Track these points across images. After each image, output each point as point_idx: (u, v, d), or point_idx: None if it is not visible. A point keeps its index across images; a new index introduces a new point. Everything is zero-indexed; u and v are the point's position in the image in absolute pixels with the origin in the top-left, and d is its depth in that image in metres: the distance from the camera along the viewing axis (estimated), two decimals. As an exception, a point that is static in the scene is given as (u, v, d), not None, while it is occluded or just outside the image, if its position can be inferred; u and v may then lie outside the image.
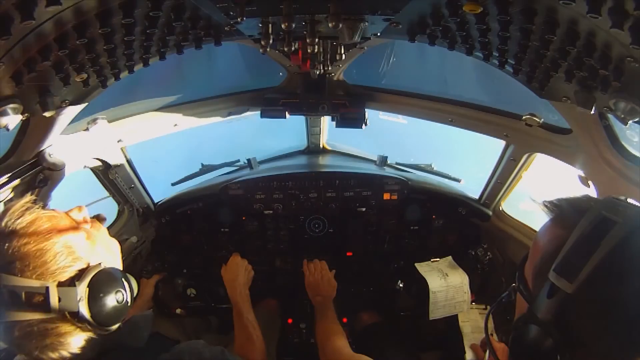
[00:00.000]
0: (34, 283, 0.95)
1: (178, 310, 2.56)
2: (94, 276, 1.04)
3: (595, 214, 0.81)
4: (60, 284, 0.98)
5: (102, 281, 1.06)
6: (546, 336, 0.82)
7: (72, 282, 1.00)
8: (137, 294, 2.22)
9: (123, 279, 1.12)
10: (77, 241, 1.08)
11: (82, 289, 1.00)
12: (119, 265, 1.22)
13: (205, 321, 2.96)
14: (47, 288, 0.96)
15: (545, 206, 0.96)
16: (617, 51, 0.95)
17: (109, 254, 1.19)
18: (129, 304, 1.12)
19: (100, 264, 1.08)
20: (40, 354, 1.00)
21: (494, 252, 2.67)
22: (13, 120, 1.17)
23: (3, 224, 1.00)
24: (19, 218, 1.01)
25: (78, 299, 0.99)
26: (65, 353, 1.02)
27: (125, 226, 2.43)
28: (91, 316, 1.01)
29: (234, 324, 1.98)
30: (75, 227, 1.12)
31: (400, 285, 2.69)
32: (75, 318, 1.00)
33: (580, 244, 0.80)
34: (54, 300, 0.96)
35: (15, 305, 0.94)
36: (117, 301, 1.07)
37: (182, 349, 1.21)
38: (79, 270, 1.03)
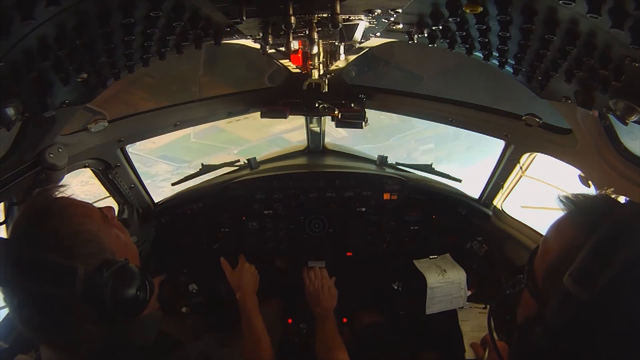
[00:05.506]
0: (63, 262, 0.96)
1: (184, 309, 2.56)
2: (119, 268, 1.06)
3: (616, 219, 0.78)
4: (87, 268, 0.99)
5: (126, 275, 1.08)
6: (555, 342, 0.80)
7: (99, 269, 1.02)
8: None
9: (144, 278, 1.14)
10: (107, 234, 1.11)
11: (107, 277, 1.02)
12: None
13: (206, 320, 2.96)
14: (76, 269, 0.96)
15: (561, 201, 0.92)
16: (617, 51, 0.95)
17: (131, 255, 1.20)
18: (147, 303, 1.14)
19: (126, 259, 1.10)
20: (50, 334, 1.01)
21: (493, 252, 2.67)
22: (13, 120, 1.17)
23: (39, 202, 1.04)
24: (55, 200, 1.05)
25: (102, 286, 1.00)
26: (74, 338, 1.02)
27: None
28: (111, 305, 1.02)
29: (242, 328, 2.01)
30: (107, 221, 1.15)
31: (398, 285, 2.71)
32: (96, 304, 1.00)
33: (599, 250, 0.76)
34: (79, 282, 0.96)
35: (40, 279, 0.94)
36: (138, 297, 1.09)
37: (189, 350, 1.22)
38: (106, 261, 1.05)
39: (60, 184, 1.13)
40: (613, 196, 0.91)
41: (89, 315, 1.01)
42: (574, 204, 0.91)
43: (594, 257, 0.76)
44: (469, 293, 2.60)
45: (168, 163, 8.63)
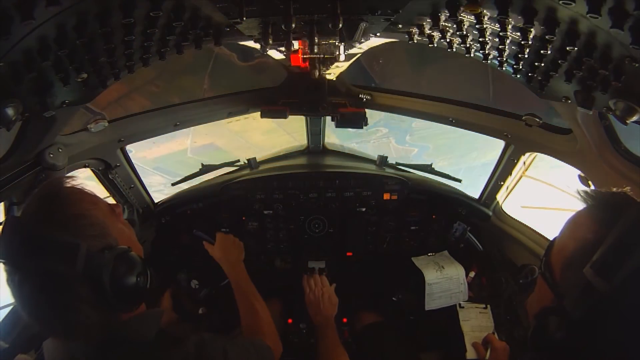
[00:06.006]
0: (66, 238, 0.98)
1: (200, 310, 2.56)
2: (122, 253, 1.07)
3: (637, 214, 0.80)
4: (90, 248, 1.00)
5: (128, 260, 1.08)
6: (572, 332, 0.82)
7: (102, 250, 1.03)
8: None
9: (146, 268, 1.14)
10: (112, 225, 1.13)
11: (109, 259, 1.03)
12: None
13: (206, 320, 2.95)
14: (78, 245, 0.98)
15: (580, 195, 0.95)
16: (617, 51, 0.95)
17: (135, 250, 1.20)
18: (146, 294, 1.14)
19: (129, 247, 1.12)
20: (48, 313, 1.01)
21: (493, 252, 2.68)
22: (13, 120, 1.17)
23: (49, 187, 1.08)
24: (65, 186, 1.09)
25: (103, 266, 1.01)
26: (72, 320, 1.02)
27: None
28: (110, 287, 1.02)
29: (236, 299, 1.95)
30: (113, 214, 1.18)
31: (398, 297, 2.74)
32: (95, 285, 1.00)
33: (619, 245, 0.78)
34: (80, 259, 0.97)
35: (42, 254, 0.96)
36: (138, 284, 1.09)
37: (187, 344, 1.22)
38: (109, 245, 1.07)
39: (68, 175, 1.15)
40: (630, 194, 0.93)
41: (87, 295, 1.01)
42: (593, 199, 0.93)
43: (615, 250, 0.78)
44: (473, 274, 2.63)
45: (162, 175, 8.64)
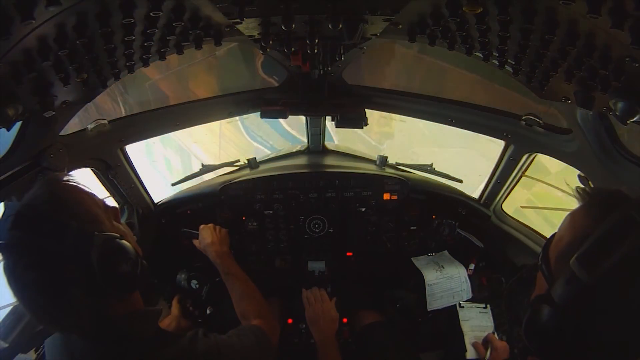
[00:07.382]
0: (59, 217, 1.02)
1: (208, 311, 2.56)
2: (113, 238, 1.09)
3: (624, 213, 0.83)
4: (81, 229, 1.03)
5: (118, 245, 1.10)
6: (557, 319, 0.86)
7: (92, 232, 1.05)
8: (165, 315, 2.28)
9: (139, 260, 1.15)
10: (107, 220, 1.16)
11: (98, 240, 1.04)
12: None
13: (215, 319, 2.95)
14: (70, 223, 1.01)
15: (578, 192, 0.99)
16: (617, 51, 0.95)
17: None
18: (137, 282, 1.14)
19: (121, 236, 1.13)
20: (37, 296, 1.02)
21: (493, 252, 2.68)
22: (13, 120, 1.17)
23: (51, 178, 1.15)
24: (66, 177, 1.15)
25: (93, 246, 1.03)
26: (61, 304, 1.02)
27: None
28: (99, 269, 1.03)
29: (227, 286, 1.95)
30: (109, 213, 1.20)
31: (400, 305, 2.75)
32: (84, 266, 1.02)
33: (604, 239, 0.82)
34: (70, 237, 1.00)
35: (35, 230, 0.99)
36: (127, 269, 1.10)
37: (184, 341, 1.23)
38: (101, 230, 1.09)
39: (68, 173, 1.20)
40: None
41: (77, 277, 1.02)
42: (590, 196, 0.97)
43: (599, 245, 0.82)
44: (472, 266, 2.64)
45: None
